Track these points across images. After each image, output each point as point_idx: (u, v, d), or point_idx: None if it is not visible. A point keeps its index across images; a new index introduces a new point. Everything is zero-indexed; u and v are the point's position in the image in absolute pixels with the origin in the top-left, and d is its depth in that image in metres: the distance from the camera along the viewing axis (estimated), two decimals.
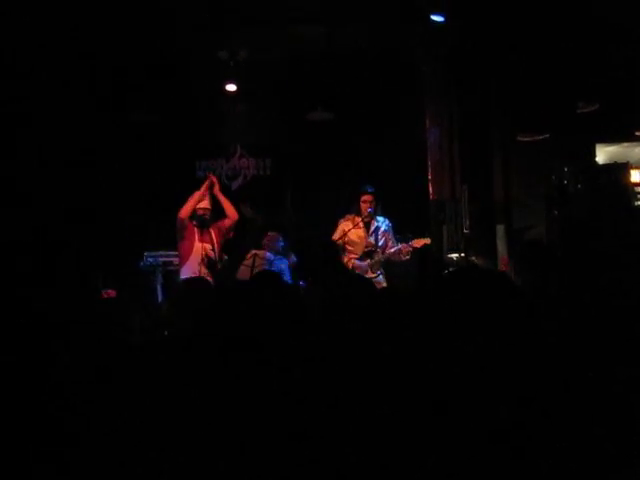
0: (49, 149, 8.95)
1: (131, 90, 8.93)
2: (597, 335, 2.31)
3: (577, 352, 2.08)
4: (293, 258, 7.89)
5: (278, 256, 7.87)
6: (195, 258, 6.89)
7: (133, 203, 8.99)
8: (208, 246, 6.93)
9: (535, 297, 2.70)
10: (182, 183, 7.90)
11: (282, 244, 7.98)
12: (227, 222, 7.21)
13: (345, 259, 7.20)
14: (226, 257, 7.35)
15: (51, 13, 7.33)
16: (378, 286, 7.03)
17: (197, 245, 6.96)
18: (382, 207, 7.38)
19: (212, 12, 7.77)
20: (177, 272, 7.17)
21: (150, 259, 8.12)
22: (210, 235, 7.03)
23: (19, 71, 8.15)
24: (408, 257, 7.14)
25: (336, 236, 7.26)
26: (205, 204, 7.11)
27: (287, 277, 7.46)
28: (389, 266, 7.28)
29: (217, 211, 7.31)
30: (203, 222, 7.01)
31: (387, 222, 7.30)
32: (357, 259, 7.19)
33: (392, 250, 7.16)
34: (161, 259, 8.10)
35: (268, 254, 7.55)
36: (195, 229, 7.06)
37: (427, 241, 7.13)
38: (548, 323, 2.33)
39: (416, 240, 7.06)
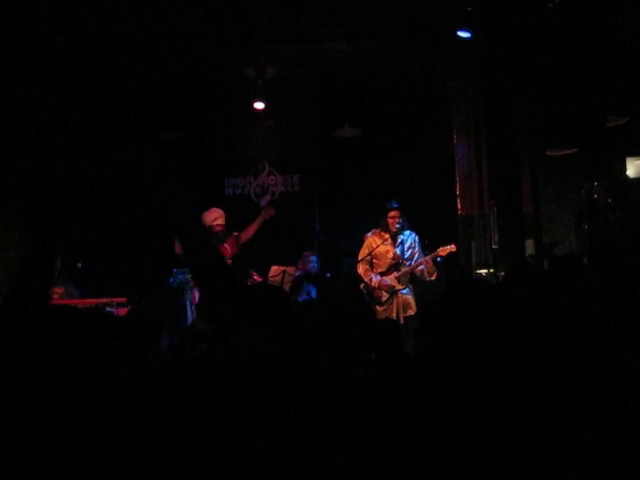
0: (78, 168, 9.09)
1: (161, 108, 9.04)
2: (628, 348, 2.29)
3: (608, 365, 2.07)
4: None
5: (309, 285, 7.94)
6: None
7: (163, 220, 9.07)
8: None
9: (569, 311, 2.68)
10: (211, 200, 7.97)
11: (315, 264, 8.05)
12: (242, 239, 7.40)
13: (370, 274, 7.18)
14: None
15: (86, 32, 7.47)
16: (403, 301, 7.04)
17: None
18: (408, 221, 7.37)
19: (240, 30, 7.86)
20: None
21: (180, 276, 8.17)
22: (225, 249, 7.20)
23: (52, 93, 8.31)
24: (433, 278, 7.08)
25: (365, 251, 7.26)
26: (220, 221, 7.30)
27: (312, 294, 7.55)
28: (416, 281, 7.24)
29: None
30: (220, 239, 7.21)
31: (413, 235, 7.29)
32: (383, 273, 7.18)
33: (417, 269, 7.12)
34: (190, 276, 8.14)
35: (298, 272, 7.64)
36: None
37: (452, 248, 7.07)
38: (579, 336, 2.32)
39: (441, 249, 7.01)
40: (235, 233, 7.45)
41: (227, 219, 7.45)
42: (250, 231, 7.49)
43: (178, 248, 7.04)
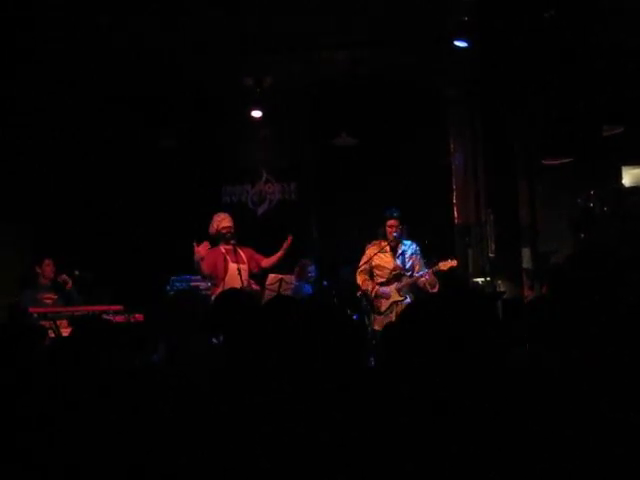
0: (79, 175, 9.12)
1: (158, 116, 9.07)
2: (623, 359, 2.30)
3: (601, 376, 2.08)
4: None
5: (305, 283, 7.94)
6: (233, 279, 6.92)
7: (160, 228, 9.09)
8: (244, 266, 7.02)
9: (564, 319, 2.70)
10: (208, 208, 7.97)
11: (313, 274, 8.04)
12: (263, 262, 7.34)
13: (372, 284, 7.18)
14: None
15: (87, 45, 7.52)
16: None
17: (232, 265, 7.03)
18: (408, 231, 7.36)
19: (238, 40, 7.89)
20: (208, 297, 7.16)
21: (177, 283, 8.18)
22: (241, 256, 7.12)
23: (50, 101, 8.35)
24: (435, 290, 7.05)
25: (364, 260, 7.25)
26: (228, 222, 7.24)
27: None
28: (418, 292, 7.21)
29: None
30: (227, 240, 7.14)
31: (414, 246, 7.25)
32: (384, 283, 7.17)
33: (420, 280, 7.08)
34: (187, 283, 8.15)
35: (295, 280, 7.63)
36: (222, 249, 7.15)
37: (453, 263, 7.05)
38: (574, 344, 2.33)
39: (442, 263, 7.00)
40: (257, 255, 7.36)
41: (234, 222, 7.34)
42: (275, 259, 7.40)
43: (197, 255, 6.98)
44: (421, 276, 7.03)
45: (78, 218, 9.02)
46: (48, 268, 7.51)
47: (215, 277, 7.10)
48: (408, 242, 7.22)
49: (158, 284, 8.23)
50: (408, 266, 7.13)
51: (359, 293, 7.20)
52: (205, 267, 7.00)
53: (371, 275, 7.23)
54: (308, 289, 7.95)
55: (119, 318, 6.53)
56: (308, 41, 8.03)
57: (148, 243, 9.02)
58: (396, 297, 7.06)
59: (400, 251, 7.17)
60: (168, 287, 8.23)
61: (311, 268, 8.07)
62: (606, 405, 1.92)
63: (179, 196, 9.33)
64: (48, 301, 7.30)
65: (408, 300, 7.04)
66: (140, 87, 8.72)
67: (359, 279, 7.22)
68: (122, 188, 9.23)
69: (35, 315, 6.60)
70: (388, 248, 7.14)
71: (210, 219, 7.32)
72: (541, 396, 1.98)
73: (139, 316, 6.62)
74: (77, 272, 7.65)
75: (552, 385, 2.09)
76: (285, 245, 7.28)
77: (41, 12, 6.98)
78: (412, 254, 7.18)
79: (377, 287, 7.12)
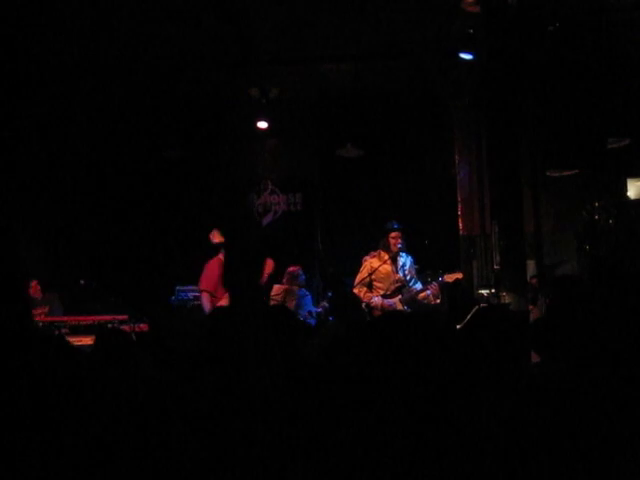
0: (86, 185, 9.15)
1: (165, 127, 9.11)
2: (628, 369, 2.30)
3: (604, 388, 2.08)
4: (325, 304, 8.00)
5: (307, 292, 7.96)
6: None
7: (166, 238, 9.11)
8: None
9: (566, 331, 2.70)
10: (214, 219, 7.98)
11: (303, 277, 8.06)
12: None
13: (370, 295, 7.18)
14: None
15: (92, 53, 7.56)
16: None
17: None
18: (408, 241, 7.38)
19: (244, 51, 7.94)
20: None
21: (182, 294, 8.18)
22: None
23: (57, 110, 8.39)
24: (439, 300, 7.07)
25: (364, 273, 7.25)
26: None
27: (313, 311, 7.61)
28: (417, 305, 7.20)
29: None
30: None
31: (410, 258, 7.30)
32: (386, 295, 7.17)
33: (422, 294, 7.10)
34: (193, 294, 8.14)
35: (298, 290, 7.65)
36: (223, 260, 7.13)
37: (459, 275, 7.08)
38: (577, 357, 2.34)
39: (447, 275, 7.02)
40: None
41: None
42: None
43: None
44: (425, 289, 7.05)
45: (84, 228, 9.05)
46: (32, 290, 7.48)
47: (216, 290, 7.05)
48: (404, 254, 7.26)
49: (163, 294, 8.25)
50: (408, 278, 7.18)
51: (364, 305, 7.20)
52: (204, 283, 6.94)
53: (369, 287, 7.23)
54: (309, 299, 7.96)
55: (124, 328, 6.53)
56: (313, 53, 8.07)
57: (153, 253, 9.03)
58: (401, 309, 7.07)
59: (400, 263, 7.20)
60: (173, 297, 8.24)
61: (299, 271, 8.06)
62: (613, 419, 1.92)
63: (185, 206, 9.36)
64: (41, 316, 7.28)
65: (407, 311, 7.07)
66: (146, 98, 8.77)
67: (360, 292, 7.21)
68: (128, 198, 9.27)
69: (41, 324, 6.60)
70: (389, 260, 7.16)
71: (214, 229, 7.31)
72: (547, 409, 1.98)
73: (144, 326, 6.62)
74: (82, 281, 7.67)
75: (558, 398, 2.09)
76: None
77: (48, 22, 7.03)
78: (410, 266, 7.24)
79: (382, 299, 7.13)
